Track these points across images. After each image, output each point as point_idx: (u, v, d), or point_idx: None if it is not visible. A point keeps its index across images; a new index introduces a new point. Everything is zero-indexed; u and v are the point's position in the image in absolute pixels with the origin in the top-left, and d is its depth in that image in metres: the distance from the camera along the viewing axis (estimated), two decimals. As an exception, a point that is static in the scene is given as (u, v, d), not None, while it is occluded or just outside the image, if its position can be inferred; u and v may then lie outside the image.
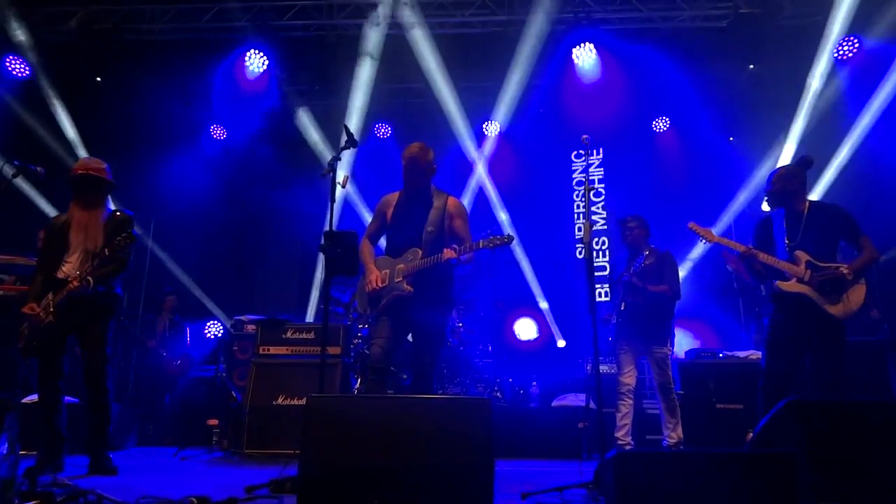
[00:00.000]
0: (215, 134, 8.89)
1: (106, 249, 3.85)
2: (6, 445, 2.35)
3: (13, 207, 7.09)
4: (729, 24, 7.39)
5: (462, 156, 8.80)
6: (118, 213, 4.18)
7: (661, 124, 8.76)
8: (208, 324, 8.28)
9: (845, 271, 3.64)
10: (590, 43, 7.62)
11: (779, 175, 3.96)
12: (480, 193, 8.89)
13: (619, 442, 4.81)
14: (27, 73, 7.68)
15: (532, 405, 6.60)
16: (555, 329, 8.36)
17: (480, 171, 8.87)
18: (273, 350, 5.54)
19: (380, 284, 3.76)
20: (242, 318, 6.97)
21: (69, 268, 3.98)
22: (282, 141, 8.63)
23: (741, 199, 8.00)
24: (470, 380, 6.53)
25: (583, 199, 8.96)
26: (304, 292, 8.68)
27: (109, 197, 4.38)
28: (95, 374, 4.02)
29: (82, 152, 7.98)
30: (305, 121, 8.58)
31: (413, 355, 3.86)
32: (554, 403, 6.29)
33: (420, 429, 2.37)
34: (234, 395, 5.90)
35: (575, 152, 9.11)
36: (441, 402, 2.60)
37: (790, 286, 3.74)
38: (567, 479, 3.36)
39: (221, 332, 7.93)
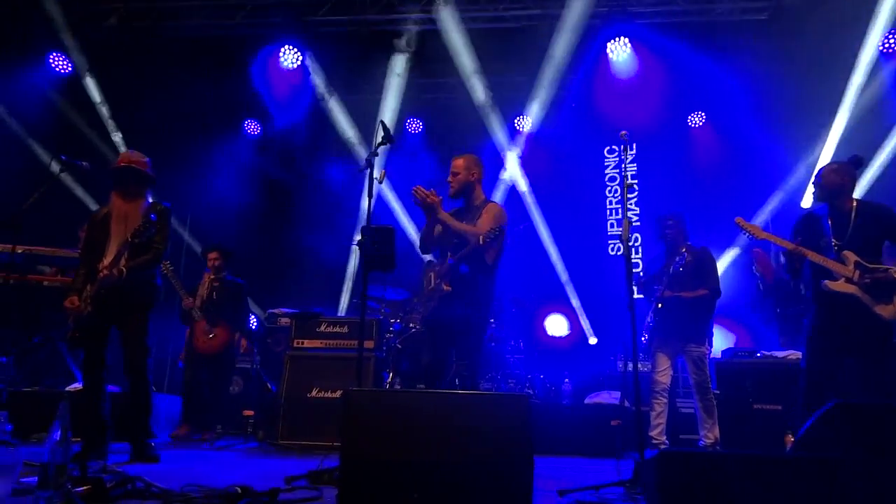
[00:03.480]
0: (250, 129, 9.02)
1: (129, 237, 3.91)
2: (59, 432, 2.42)
3: (57, 202, 7.28)
4: (769, 16, 7.23)
5: (495, 151, 8.78)
6: (156, 205, 4.23)
7: (697, 119, 8.62)
8: (242, 316, 8.38)
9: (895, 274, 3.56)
10: (625, 37, 7.53)
11: (830, 170, 3.88)
12: (513, 189, 8.88)
13: (654, 441, 4.77)
14: (69, 69, 7.88)
15: (564, 402, 6.57)
16: (586, 326, 8.31)
17: (513, 166, 8.84)
18: (307, 343, 5.60)
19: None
20: (276, 311, 7.07)
21: (108, 259, 4.07)
22: (315, 136, 8.71)
23: (780, 195, 7.83)
24: (501, 376, 6.52)
25: (615, 196, 8.95)
26: (337, 286, 8.76)
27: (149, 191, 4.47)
28: (135, 365, 4.11)
29: (122, 147, 8.16)
30: (339, 115, 8.63)
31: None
32: (587, 401, 6.26)
33: (459, 424, 2.38)
34: (269, 386, 5.99)
35: (608, 148, 9.03)
36: (480, 397, 2.61)
37: (839, 286, 3.66)
38: (602, 477, 3.34)
39: (255, 324, 8.04)
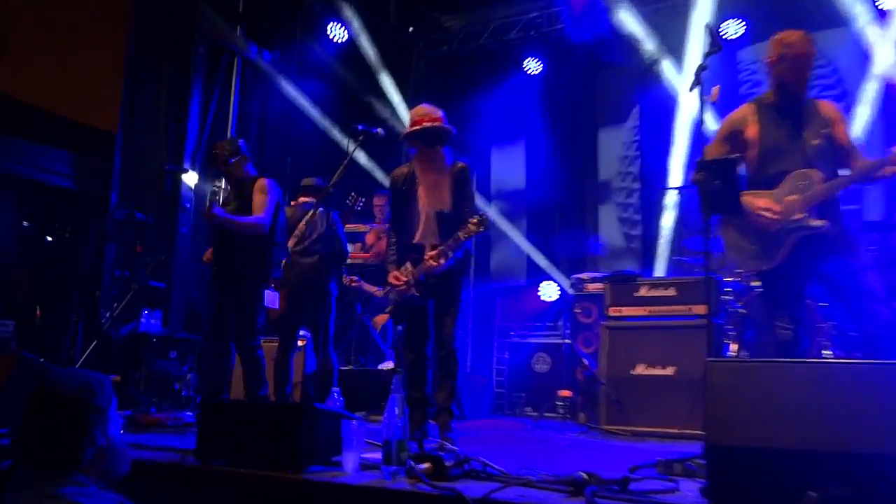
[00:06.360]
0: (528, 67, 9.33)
1: (460, 234, 4.19)
2: (396, 407, 2.77)
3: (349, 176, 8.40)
4: None
5: (851, 46, 7.62)
6: (458, 164, 4.52)
7: None
8: (541, 284, 8.64)
9: None
10: None
11: None
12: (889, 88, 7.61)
13: None
14: (346, 37, 8.93)
15: None
16: None
17: (882, 61, 7.57)
18: (626, 311, 5.59)
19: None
20: (582, 276, 7.14)
21: (423, 232, 4.43)
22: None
23: None
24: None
25: None
26: (649, 241, 8.56)
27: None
28: (445, 337, 4.48)
29: (403, 112, 9.03)
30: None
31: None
32: None
33: (873, 405, 2.11)
34: (587, 363, 6.13)
35: None
36: (891, 369, 2.28)
37: None
38: None
39: (559, 293, 8.25)
